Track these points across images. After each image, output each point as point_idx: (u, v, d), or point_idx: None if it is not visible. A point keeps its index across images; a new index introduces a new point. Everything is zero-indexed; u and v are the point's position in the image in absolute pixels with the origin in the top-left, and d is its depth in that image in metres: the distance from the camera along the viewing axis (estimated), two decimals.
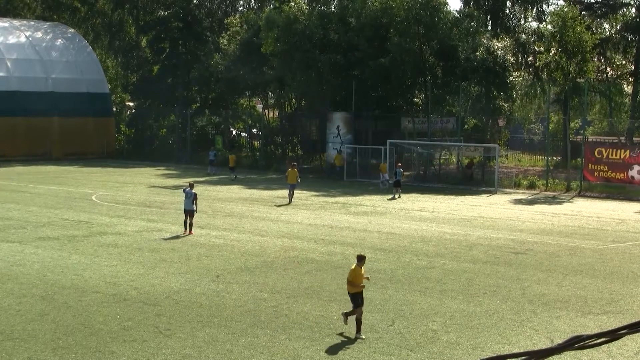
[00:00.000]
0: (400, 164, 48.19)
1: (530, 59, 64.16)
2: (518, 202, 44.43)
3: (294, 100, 71.77)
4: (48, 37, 78.24)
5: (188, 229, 30.37)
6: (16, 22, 79.58)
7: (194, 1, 79.93)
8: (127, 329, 17.57)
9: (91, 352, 15.94)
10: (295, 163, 45.53)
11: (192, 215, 30.51)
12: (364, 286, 17.86)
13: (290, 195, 40.88)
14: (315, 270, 24.27)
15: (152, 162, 65.60)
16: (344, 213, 38.04)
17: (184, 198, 31.09)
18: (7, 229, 31.34)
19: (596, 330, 3.48)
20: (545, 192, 48.58)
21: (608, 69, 65.01)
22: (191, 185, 31.52)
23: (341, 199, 43.11)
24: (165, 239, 29.37)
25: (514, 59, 58.66)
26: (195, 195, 30.70)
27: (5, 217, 34.36)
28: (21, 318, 18.39)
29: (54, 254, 26.18)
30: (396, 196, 44.37)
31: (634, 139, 59.63)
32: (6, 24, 77.80)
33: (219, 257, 26.16)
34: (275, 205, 39.80)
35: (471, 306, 19.90)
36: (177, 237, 29.96)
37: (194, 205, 30.58)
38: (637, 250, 28.75)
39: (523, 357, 3.41)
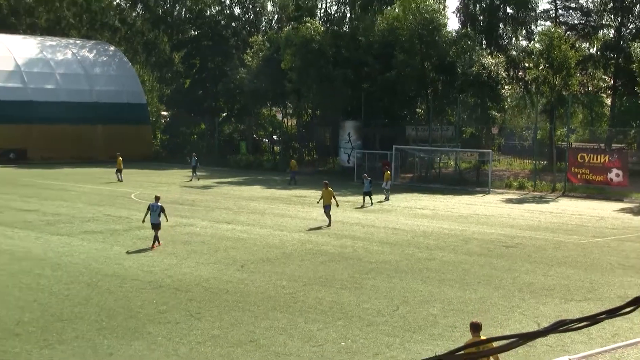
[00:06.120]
0: (366, 174, 43.03)
1: (521, 73, 63.99)
2: (509, 201, 44.33)
3: (310, 110, 71.89)
4: (92, 54, 78.67)
5: (152, 242, 26.19)
6: (64, 41, 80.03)
7: (222, 22, 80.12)
8: (162, 312, 17.64)
9: (131, 332, 16.02)
10: (327, 182, 35.26)
11: (157, 229, 26.31)
12: None
13: (328, 216, 32.55)
14: (329, 261, 24.29)
15: (185, 165, 65.66)
16: (354, 210, 38.04)
17: (150, 212, 26.58)
18: (56, 223, 31.52)
19: (578, 315, 3.50)
20: (533, 193, 48.46)
21: (590, 83, 64.80)
22: (157, 198, 27.15)
23: (352, 198, 43.07)
24: (195, 233, 29.46)
25: (506, 74, 58.51)
26: (161, 208, 26.46)
27: (55, 213, 34.56)
28: (69, 302, 18.49)
29: (98, 246, 26.32)
30: (365, 205, 39.83)
31: (612, 145, 59.39)
32: (54, 42, 78.25)
33: (244, 249, 26.21)
34: (307, 230, 33.83)
35: (467, 293, 19.89)
36: (206, 230, 30.04)
37: (161, 219, 26.40)
38: (614, 244, 28.65)
39: (513, 339, 3.43)
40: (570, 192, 47.64)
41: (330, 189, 33.16)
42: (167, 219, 26.92)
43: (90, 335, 15.81)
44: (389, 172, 45.21)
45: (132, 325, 16.56)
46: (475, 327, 11.93)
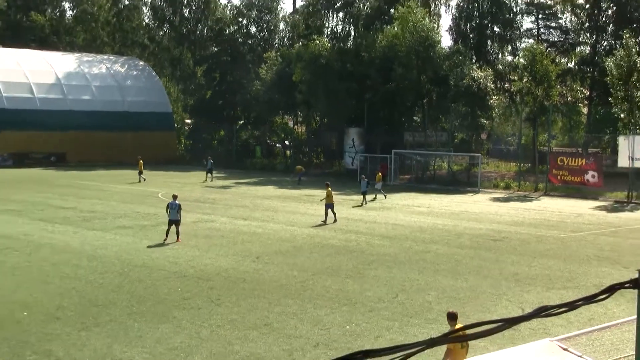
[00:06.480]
0: (363, 175, 42.61)
1: (507, 85, 63.86)
2: (496, 199, 44.23)
3: (318, 118, 71.80)
4: (124, 68, 78.78)
5: (176, 237, 25.78)
6: (99, 57, 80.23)
7: (239, 40, 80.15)
8: (186, 298, 17.68)
9: (158, 316, 16.06)
10: (328, 182, 34.54)
11: (177, 224, 25.93)
12: None
13: (334, 214, 31.81)
14: (335, 253, 24.29)
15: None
16: (357, 208, 37.99)
17: (169, 210, 26.13)
18: (92, 219, 31.59)
19: (558, 302, 3.50)
20: (518, 192, 48.33)
21: (568, 94, 64.67)
22: (175, 197, 26.72)
23: (355, 197, 43.03)
24: (216, 228, 29.48)
25: (493, 86, 58.38)
26: (179, 206, 26.00)
27: (91, 210, 34.63)
28: (104, 289, 18.55)
29: (128, 240, 26.37)
30: (363, 204, 39.21)
31: (588, 149, 59.21)
32: (90, 58, 78.46)
33: (259, 242, 26.22)
34: (315, 226, 34.64)
35: (459, 282, 19.87)
36: (225, 226, 30.03)
37: (179, 215, 25.98)
38: (591, 238, 28.58)
39: (500, 323, 3.44)
40: (551, 191, 47.50)
41: (329, 189, 32.54)
42: (180, 218, 26.09)
43: (122, 319, 15.86)
44: (380, 174, 45.23)
45: (159, 310, 16.60)
46: (452, 317, 11.86)
